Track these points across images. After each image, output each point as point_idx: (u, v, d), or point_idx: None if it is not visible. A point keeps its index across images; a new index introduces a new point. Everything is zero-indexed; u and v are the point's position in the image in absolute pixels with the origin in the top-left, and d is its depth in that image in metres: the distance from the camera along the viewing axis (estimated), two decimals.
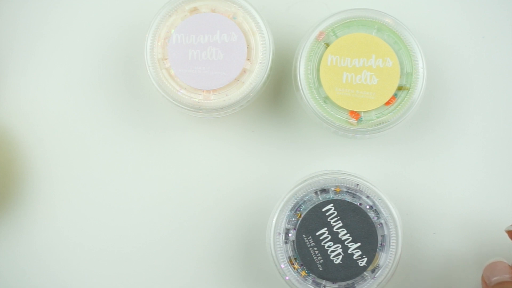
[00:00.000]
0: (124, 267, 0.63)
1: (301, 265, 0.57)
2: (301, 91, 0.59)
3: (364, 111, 0.59)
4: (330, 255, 0.57)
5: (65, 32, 0.65)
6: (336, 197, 0.58)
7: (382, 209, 0.57)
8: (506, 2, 0.65)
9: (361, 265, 0.57)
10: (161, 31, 0.60)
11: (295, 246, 0.57)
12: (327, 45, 0.60)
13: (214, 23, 0.60)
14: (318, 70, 0.60)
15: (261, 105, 0.64)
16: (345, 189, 0.58)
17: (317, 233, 0.57)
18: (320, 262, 0.57)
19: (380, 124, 0.59)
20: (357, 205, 0.57)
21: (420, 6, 0.65)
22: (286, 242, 0.58)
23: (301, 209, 0.58)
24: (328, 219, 0.57)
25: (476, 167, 0.63)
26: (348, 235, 0.57)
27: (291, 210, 0.58)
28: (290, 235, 0.58)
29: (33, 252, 0.64)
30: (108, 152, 0.65)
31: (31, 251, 0.64)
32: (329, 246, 0.57)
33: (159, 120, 0.65)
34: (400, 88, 0.59)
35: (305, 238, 0.57)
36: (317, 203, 0.57)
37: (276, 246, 0.57)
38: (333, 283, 0.57)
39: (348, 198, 0.58)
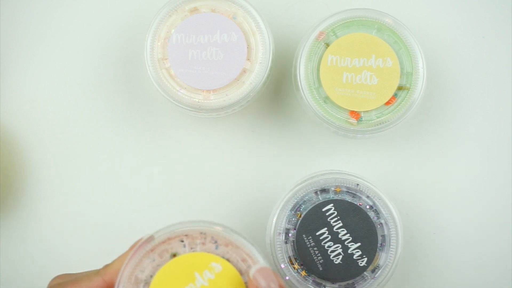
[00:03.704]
0: None
1: (301, 265, 0.57)
2: (301, 91, 0.59)
3: (364, 111, 0.59)
4: (330, 255, 0.57)
5: (65, 32, 0.65)
6: (336, 197, 0.58)
7: (382, 209, 0.57)
8: (506, 2, 0.65)
9: (361, 265, 0.57)
10: (161, 31, 0.60)
11: (295, 246, 0.57)
12: (327, 45, 0.60)
13: (214, 23, 0.60)
14: (318, 70, 0.60)
15: (261, 105, 0.64)
16: (345, 189, 0.58)
17: (317, 233, 0.57)
18: (320, 262, 0.57)
19: (380, 124, 0.59)
20: (357, 205, 0.57)
21: (420, 6, 0.65)
22: (286, 242, 0.58)
23: (301, 209, 0.58)
24: (328, 219, 0.57)
25: (476, 166, 0.63)
26: (348, 235, 0.57)
27: (291, 210, 0.58)
28: (290, 235, 0.58)
29: (33, 252, 0.64)
30: (108, 152, 0.65)
31: (31, 251, 0.63)
32: (329, 246, 0.57)
33: (159, 120, 0.65)
34: (400, 88, 0.59)
35: (305, 238, 0.57)
36: (317, 203, 0.57)
37: (276, 246, 0.57)
38: (333, 283, 0.57)
39: (348, 198, 0.58)
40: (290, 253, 0.58)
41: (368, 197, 0.58)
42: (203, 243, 0.46)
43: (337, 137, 0.63)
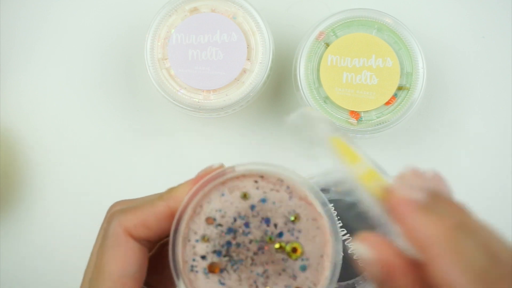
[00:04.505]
0: None
1: None
2: (301, 91, 0.59)
3: (364, 111, 0.59)
4: None
5: (65, 32, 0.65)
6: (336, 197, 0.58)
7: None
8: (506, 2, 0.65)
9: (361, 265, 0.57)
10: (161, 31, 0.60)
11: None
12: (327, 45, 0.60)
13: (214, 23, 0.60)
14: (318, 70, 0.60)
15: (261, 105, 0.64)
16: (345, 189, 0.58)
17: None
18: None
19: (380, 124, 0.59)
20: (357, 205, 0.57)
21: (420, 6, 0.65)
22: None
23: None
24: None
25: (476, 166, 0.63)
26: (348, 235, 0.57)
27: None
28: None
29: (34, 251, 0.63)
30: (108, 152, 0.64)
31: (32, 251, 0.63)
32: None
33: (159, 120, 0.65)
34: (400, 88, 0.59)
35: None
36: None
37: None
38: None
39: (348, 198, 0.58)
40: None
41: None
42: (277, 190, 0.43)
43: None
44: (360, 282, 0.57)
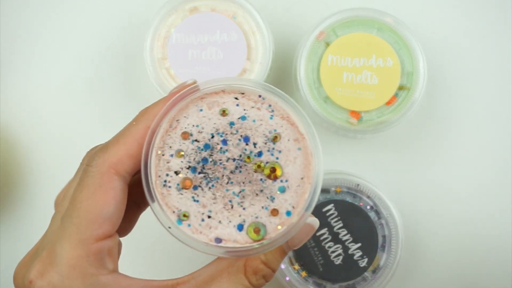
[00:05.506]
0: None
1: (302, 265, 0.57)
2: (301, 91, 0.59)
3: (364, 111, 0.59)
4: (330, 255, 0.57)
5: (65, 32, 0.65)
6: (336, 197, 0.58)
7: (382, 210, 0.57)
8: (506, 2, 0.65)
9: (362, 265, 0.57)
10: (161, 31, 0.60)
11: None
12: (328, 44, 0.60)
13: (214, 22, 0.59)
14: (318, 70, 0.59)
15: None
16: (345, 189, 0.58)
17: (318, 234, 0.57)
18: (321, 262, 0.57)
19: (380, 124, 0.59)
20: (358, 206, 0.57)
21: (420, 5, 0.65)
22: None
23: None
24: (329, 220, 0.57)
25: (476, 167, 0.63)
26: (349, 235, 0.57)
27: None
28: None
29: None
30: None
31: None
32: (329, 247, 0.57)
33: None
34: (400, 88, 0.59)
35: None
36: (317, 203, 0.57)
37: None
38: (334, 284, 0.57)
39: (348, 199, 0.58)
40: (291, 254, 0.57)
41: (368, 197, 0.58)
42: (258, 109, 0.41)
43: (337, 137, 0.63)
44: (361, 282, 0.57)
